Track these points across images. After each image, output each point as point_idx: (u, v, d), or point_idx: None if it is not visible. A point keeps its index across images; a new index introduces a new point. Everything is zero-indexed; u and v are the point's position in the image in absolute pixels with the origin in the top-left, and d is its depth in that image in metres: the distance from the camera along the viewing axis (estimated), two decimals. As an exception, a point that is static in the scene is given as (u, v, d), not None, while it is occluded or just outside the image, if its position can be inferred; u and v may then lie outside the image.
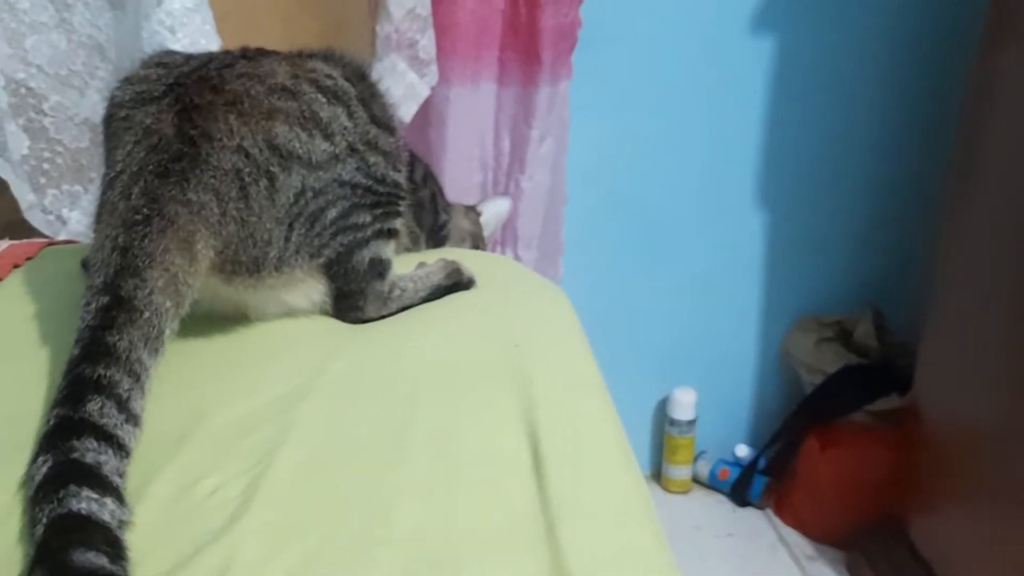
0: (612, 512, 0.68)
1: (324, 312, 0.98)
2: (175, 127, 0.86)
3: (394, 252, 1.03)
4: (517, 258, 1.80)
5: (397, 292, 1.00)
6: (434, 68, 1.63)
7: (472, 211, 1.39)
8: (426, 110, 1.68)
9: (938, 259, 1.71)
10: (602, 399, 0.84)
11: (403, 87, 1.61)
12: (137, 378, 0.74)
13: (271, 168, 0.87)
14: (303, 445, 0.74)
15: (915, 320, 1.78)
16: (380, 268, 0.98)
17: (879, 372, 1.94)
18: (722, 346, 2.12)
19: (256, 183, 0.87)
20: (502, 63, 1.72)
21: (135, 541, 0.62)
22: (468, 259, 1.06)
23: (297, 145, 0.89)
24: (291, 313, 0.96)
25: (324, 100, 0.92)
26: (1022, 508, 1.43)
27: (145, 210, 0.81)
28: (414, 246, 1.20)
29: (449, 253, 1.11)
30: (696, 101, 1.93)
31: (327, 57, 1.00)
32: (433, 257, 1.07)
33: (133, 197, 0.82)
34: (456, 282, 1.04)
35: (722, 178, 2.00)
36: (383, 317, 0.98)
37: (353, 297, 0.98)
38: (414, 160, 1.22)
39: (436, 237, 1.24)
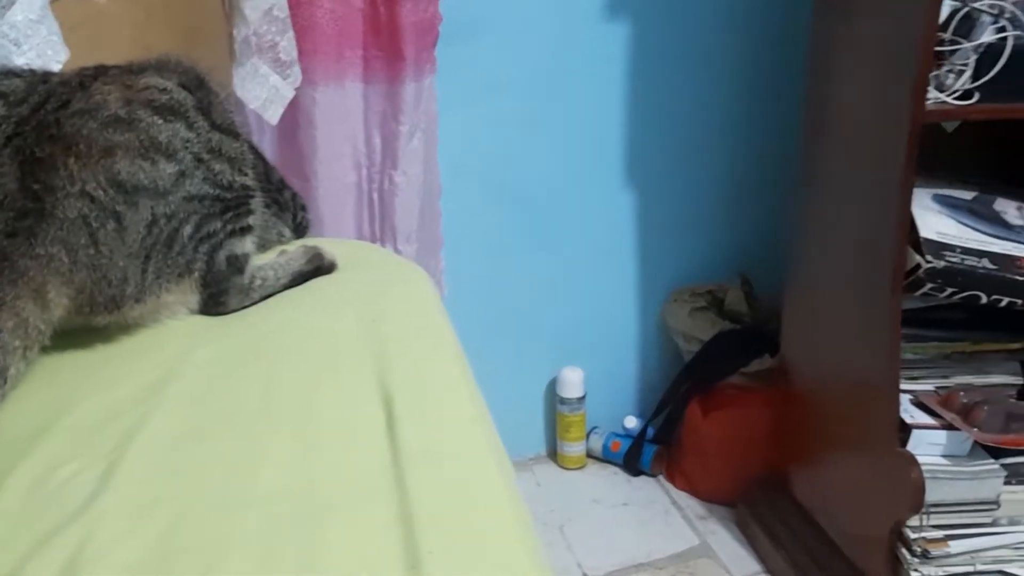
0: (459, 462, 0.71)
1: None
2: (18, 181, 0.86)
3: (253, 245, 1.04)
4: (397, 253, 1.82)
5: (258, 282, 1.02)
6: (297, 69, 1.63)
7: None
8: (294, 112, 1.68)
9: (795, 226, 1.79)
10: (456, 364, 0.88)
11: (267, 90, 1.61)
12: None
13: (117, 208, 0.87)
14: (164, 426, 0.76)
15: (782, 284, 1.85)
16: (238, 264, 1.00)
17: (751, 336, 2.02)
18: (605, 324, 2.18)
19: (104, 226, 0.87)
20: (366, 61, 1.73)
21: (-9, 529, 0.63)
22: (328, 244, 1.09)
23: (142, 176, 0.89)
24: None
25: (161, 121, 0.92)
26: (883, 453, 1.51)
27: None
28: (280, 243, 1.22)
29: (310, 241, 1.14)
30: (561, 87, 1.98)
31: (160, 67, 0.99)
32: (294, 244, 1.09)
33: None
34: (318, 267, 1.06)
35: (592, 161, 2.06)
36: (245, 307, 1.01)
37: (216, 295, 0.99)
38: (267, 164, 1.24)
39: (299, 231, 1.26)
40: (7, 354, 0.80)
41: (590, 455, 2.22)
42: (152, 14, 1.49)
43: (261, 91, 1.59)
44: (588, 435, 2.21)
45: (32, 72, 1.00)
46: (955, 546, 1.47)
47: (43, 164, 0.86)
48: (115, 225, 0.87)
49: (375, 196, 1.80)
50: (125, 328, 0.94)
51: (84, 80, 0.95)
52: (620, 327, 2.20)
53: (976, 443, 1.48)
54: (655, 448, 2.13)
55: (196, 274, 0.96)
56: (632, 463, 2.14)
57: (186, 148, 0.93)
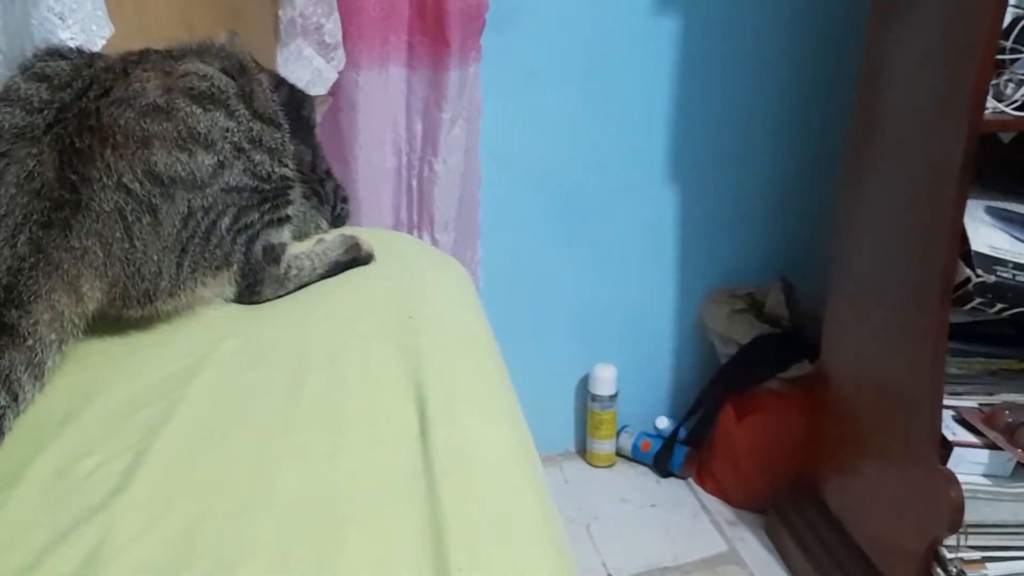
0: (493, 471, 0.69)
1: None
2: (56, 171, 0.85)
3: (290, 235, 1.03)
4: (434, 242, 1.80)
5: (294, 272, 1.00)
6: (341, 52, 1.62)
7: None
8: (337, 95, 1.67)
9: (840, 231, 1.75)
10: (492, 365, 0.86)
11: (310, 72, 1.60)
12: (15, 397, 0.75)
13: (153, 200, 0.86)
14: (189, 419, 0.74)
15: (822, 290, 1.81)
16: (274, 254, 0.98)
17: (790, 340, 1.98)
18: (640, 322, 2.15)
19: (139, 220, 0.86)
20: (410, 47, 1.72)
21: (12, 519, 0.62)
22: (366, 234, 1.07)
23: (179, 168, 0.87)
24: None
25: (200, 110, 0.90)
26: (919, 464, 1.48)
27: (32, 258, 0.82)
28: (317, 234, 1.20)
29: (347, 230, 1.12)
30: (606, 80, 1.96)
31: (202, 52, 0.97)
32: (332, 233, 1.08)
33: (19, 245, 0.82)
34: (355, 257, 1.04)
35: (634, 157, 2.03)
36: (280, 296, 0.99)
37: (252, 285, 0.98)
38: (316, 154, 1.23)
39: (336, 221, 1.25)
40: (44, 347, 0.80)
41: (619, 454, 2.19)
42: (201, -6, 1.48)
43: (304, 73, 1.58)
44: (618, 433, 2.18)
45: (79, 53, 0.98)
46: (993, 569, 1.44)
47: (81, 155, 0.85)
48: (150, 219, 0.86)
49: (414, 183, 1.79)
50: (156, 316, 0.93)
51: (127, 66, 0.93)
52: (656, 326, 2.17)
53: (1019, 464, 1.45)
54: (686, 450, 2.10)
55: (235, 267, 0.95)
56: (662, 464, 2.11)
57: (225, 138, 0.91)
